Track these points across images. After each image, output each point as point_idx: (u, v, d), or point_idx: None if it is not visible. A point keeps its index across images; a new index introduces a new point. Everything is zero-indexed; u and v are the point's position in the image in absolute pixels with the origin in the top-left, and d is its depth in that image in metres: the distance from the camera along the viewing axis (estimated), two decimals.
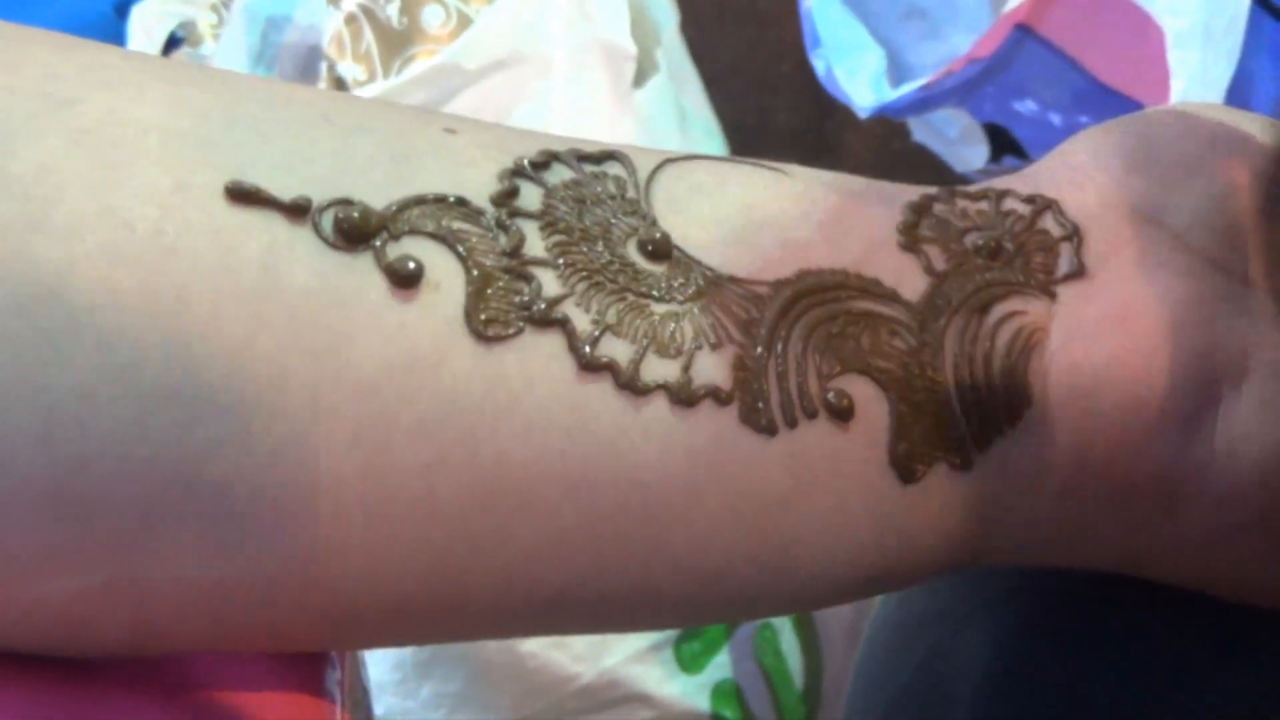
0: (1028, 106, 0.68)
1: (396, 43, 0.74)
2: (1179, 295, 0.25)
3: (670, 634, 0.66)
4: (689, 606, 0.24)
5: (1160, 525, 0.25)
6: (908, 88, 0.67)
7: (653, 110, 0.75)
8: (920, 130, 0.75)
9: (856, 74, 0.69)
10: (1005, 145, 0.71)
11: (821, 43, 0.71)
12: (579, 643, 0.64)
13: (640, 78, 0.75)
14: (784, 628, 0.70)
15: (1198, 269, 0.25)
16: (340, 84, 0.75)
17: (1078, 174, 0.27)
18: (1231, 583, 0.27)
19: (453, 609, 0.22)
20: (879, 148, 0.92)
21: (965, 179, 0.73)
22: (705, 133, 0.79)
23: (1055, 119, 0.68)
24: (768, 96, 0.98)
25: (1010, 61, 0.65)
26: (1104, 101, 0.65)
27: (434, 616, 0.22)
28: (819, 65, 0.71)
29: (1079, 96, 0.66)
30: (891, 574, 0.25)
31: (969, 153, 0.72)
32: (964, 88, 0.66)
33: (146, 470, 0.19)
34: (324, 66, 0.75)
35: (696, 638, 0.67)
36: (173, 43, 0.76)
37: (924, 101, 0.67)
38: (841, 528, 0.23)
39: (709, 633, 0.67)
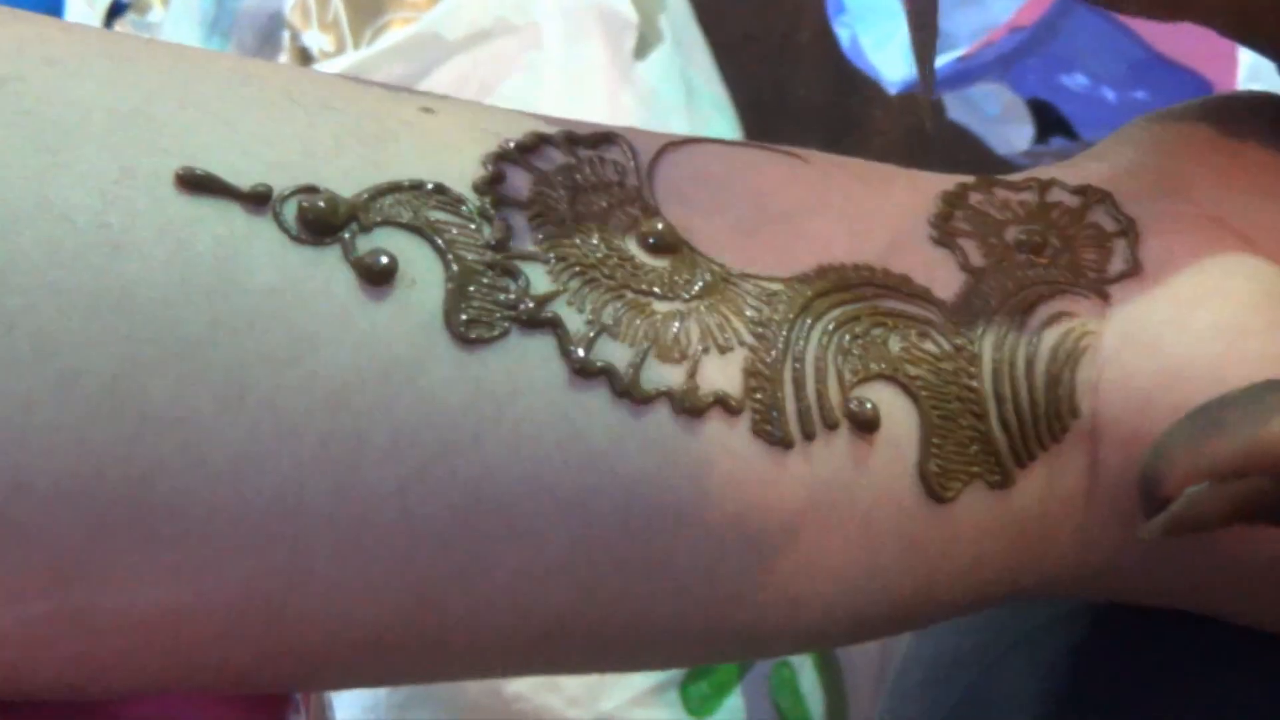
0: (1077, 80, 0.68)
1: (368, 9, 0.75)
2: (1245, 299, 0.25)
3: (676, 673, 0.67)
4: (695, 641, 0.24)
5: (1224, 557, 0.25)
6: (942, 59, 0.67)
7: (656, 84, 0.75)
8: (957, 107, 0.75)
9: (885, 44, 0.70)
10: (1052, 123, 0.71)
11: (845, 8, 0.71)
12: (573, 684, 0.64)
13: (642, 48, 0.75)
14: (804, 666, 0.70)
15: (1265, 273, 0.25)
16: (305, 56, 0.75)
17: (1133, 164, 0.27)
18: None
19: (432, 644, 0.22)
20: (910, 127, 0.92)
21: (1007, 161, 0.73)
22: (715, 109, 0.80)
23: (1108, 94, 0.68)
24: (785, 69, 0.98)
25: (1057, 30, 0.65)
26: (1163, 75, 0.65)
27: (413, 652, 0.23)
28: (843, 34, 0.71)
29: (1135, 69, 0.66)
30: (922, 605, 0.25)
31: (1011, 132, 0.73)
32: (1006, 59, 0.66)
33: (90, 489, 0.19)
34: (286, 36, 0.76)
35: (705, 678, 0.67)
36: (117, 10, 0.76)
37: (961, 75, 0.67)
38: (865, 552, 0.24)
39: (719, 672, 0.68)
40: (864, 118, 0.95)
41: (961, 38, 0.69)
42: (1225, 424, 0.20)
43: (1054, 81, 0.69)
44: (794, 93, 0.99)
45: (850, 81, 0.81)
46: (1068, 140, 0.71)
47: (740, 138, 0.84)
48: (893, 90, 0.69)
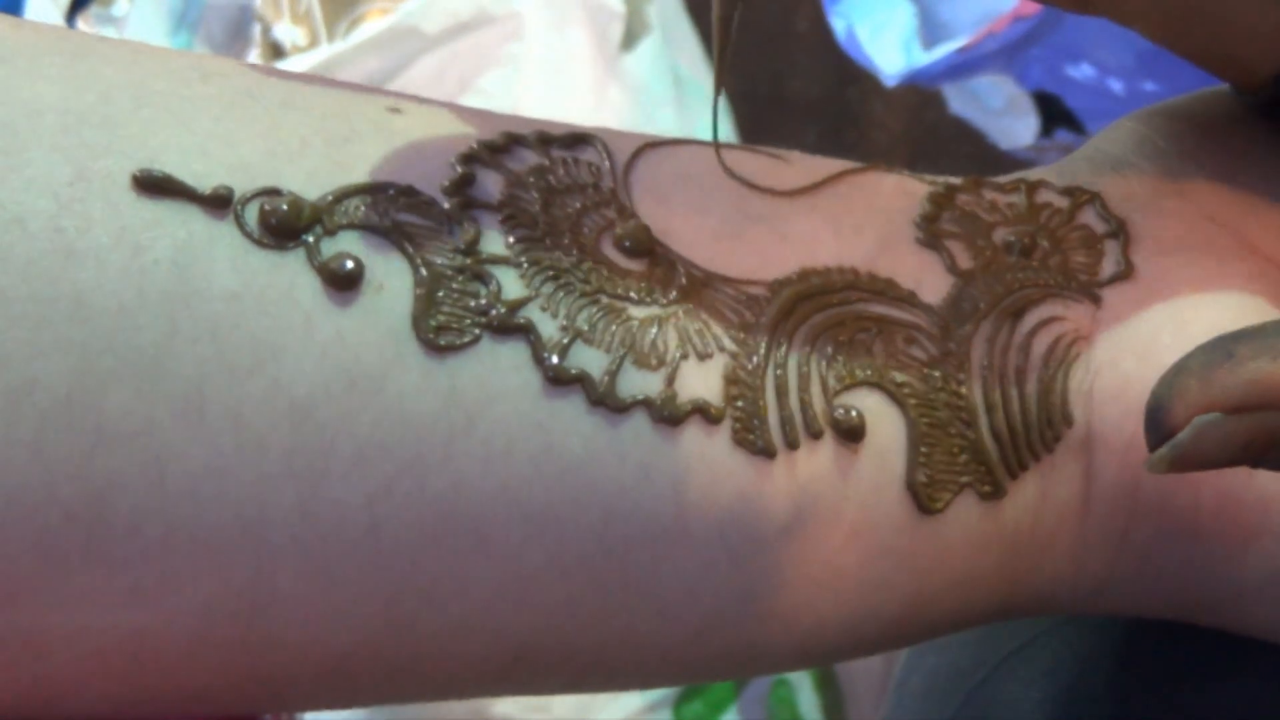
0: (1083, 71, 0.68)
1: (342, 1, 0.75)
2: (1241, 301, 0.25)
3: (669, 693, 0.67)
4: (680, 661, 0.24)
5: (1225, 567, 0.25)
6: (943, 50, 0.67)
7: (644, 77, 0.75)
8: (958, 100, 0.75)
9: (882, 34, 0.70)
10: (1057, 116, 0.72)
11: None
12: (560, 705, 0.65)
13: (629, 39, 0.75)
14: (802, 685, 0.70)
15: (1262, 272, 0.26)
16: (276, 49, 0.75)
17: (1124, 162, 0.27)
18: None
19: (402, 665, 0.23)
20: (910, 120, 0.92)
21: (1011, 156, 0.74)
22: (706, 103, 0.80)
23: (1116, 86, 0.68)
24: (779, 61, 0.98)
25: (1063, 19, 0.65)
26: (1173, 66, 0.65)
27: (381, 674, 0.23)
28: (839, 24, 0.71)
29: (1144, 60, 0.66)
30: (914, 621, 0.25)
31: (1015, 126, 0.73)
32: (1009, 50, 0.66)
33: (44, 506, 0.20)
34: (257, 29, 0.76)
35: (699, 697, 0.67)
36: (80, 3, 0.76)
37: (962, 66, 0.67)
38: (853, 566, 0.24)
39: (714, 691, 0.68)
40: (863, 111, 0.95)
41: (963, 27, 0.69)
42: (1236, 355, 0.20)
43: (1059, 73, 0.69)
44: (789, 85, 0.99)
45: (848, 74, 0.81)
46: (1073, 134, 0.71)
47: (734, 132, 0.84)
48: (889, 83, 0.69)
